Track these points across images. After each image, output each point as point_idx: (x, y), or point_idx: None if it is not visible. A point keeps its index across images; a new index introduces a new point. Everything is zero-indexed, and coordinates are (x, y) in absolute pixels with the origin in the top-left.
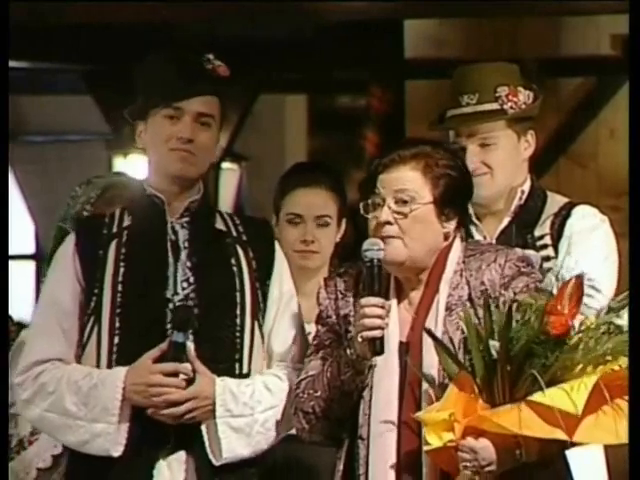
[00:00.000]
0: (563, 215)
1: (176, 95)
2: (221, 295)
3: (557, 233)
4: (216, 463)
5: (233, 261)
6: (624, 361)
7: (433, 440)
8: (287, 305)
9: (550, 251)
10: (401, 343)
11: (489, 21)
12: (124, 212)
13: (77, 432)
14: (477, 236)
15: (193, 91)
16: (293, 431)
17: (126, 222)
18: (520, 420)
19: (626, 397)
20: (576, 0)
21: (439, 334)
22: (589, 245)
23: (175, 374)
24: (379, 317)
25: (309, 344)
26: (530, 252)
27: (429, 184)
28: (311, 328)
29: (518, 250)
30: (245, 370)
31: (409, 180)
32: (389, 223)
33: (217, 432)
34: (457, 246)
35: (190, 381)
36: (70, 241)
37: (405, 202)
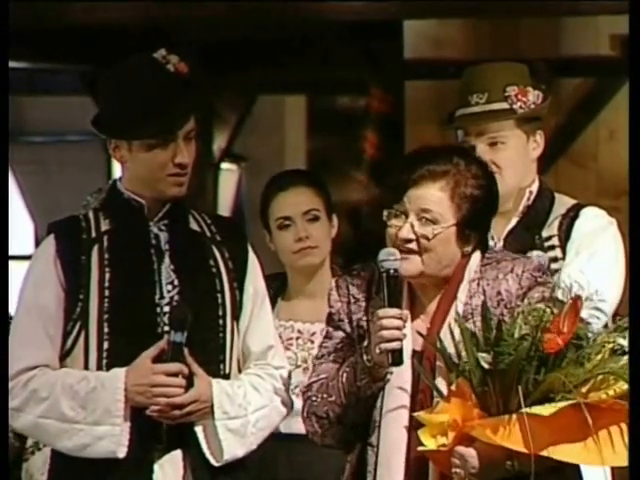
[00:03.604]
0: (571, 216)
1: (169, 129)
2: (204, 296)
3: (565, 234)
4: (216, 464)
5: (212, 262)
6: (622, 386)
7: (428, 442)
8: (262, 304)
9: (558, 252)
10: (414, 352)
11: (489, 21)
12: (99, 215)
13: (75, 436)
14: None
15: (185, 117)
16: (295, 432)
17: (104, 226)
18: (509, 433)
19: (621, 424)
20: (576, 0)
21: (451, 343)
22: (597, 247)
23: (176, 374)
24: (397, 328)
25: (320, 346)
26: (538, 253)
27: (454, 207)
28: (315, 328)
29: (534, 259)
30: (227, 371)
31: (435, 201)
32: (410, 241)
33: (217, 434)
34: (476, 257)
35: (188, 381)
36: (50, 245)
37: (428, 222)
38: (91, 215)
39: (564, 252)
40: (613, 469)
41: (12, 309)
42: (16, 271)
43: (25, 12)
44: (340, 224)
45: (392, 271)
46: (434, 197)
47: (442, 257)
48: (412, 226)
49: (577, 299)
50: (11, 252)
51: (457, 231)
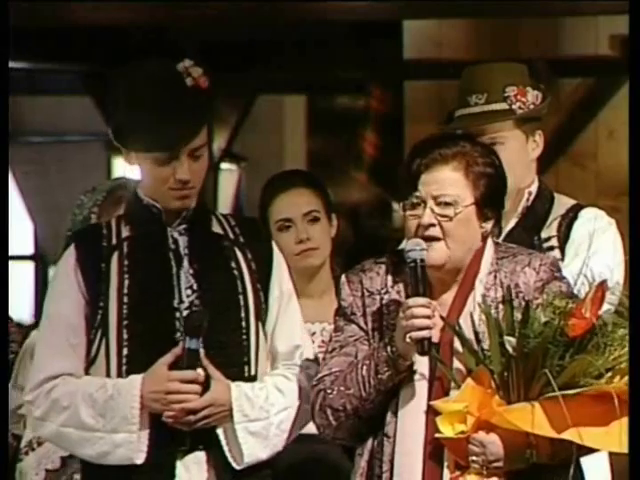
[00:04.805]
0: (570, 217)
1: (171, 145)
2: (225, 299)
3: (564, 235)
4: (237, 467)
5: (233, 264)
6: None
7: (445, 429)
8: (288, 304)
9: (557, 253)
10: (432, 343)
11: (489, 21)
12: (120, 222)
13: (96, 444)
14: None
15: (188, 136)
16: (304, 431)
17: (124, 233)
18: (532, 419)
19: None
20: (576, 0)
21: (470, 334)
22: (597, 248)
23: (192, 381)
24: (427, 317)
25: (330, 340)
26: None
27: (470, 186)
28: (315, 328)
29: (550, 255)
30: (253, 372)
31: (451, 183)
32: (432, 225)
33: (236, 437)
34: (490, 245)
35: (205, 387)
36: (70, 254)
37: (447, 204)
38: (113, 222)
39: (563, 253)
40: (612, 467)
41: (12, 309)
42: (16, 271)
43: (25, 12)
44: (340, 224)
45: (419, 261)
46: (449, 179)
47: (465, 239)
48: (432, 210)
49: (602, 284)
50: (11, 252)
51: (476, 210)
